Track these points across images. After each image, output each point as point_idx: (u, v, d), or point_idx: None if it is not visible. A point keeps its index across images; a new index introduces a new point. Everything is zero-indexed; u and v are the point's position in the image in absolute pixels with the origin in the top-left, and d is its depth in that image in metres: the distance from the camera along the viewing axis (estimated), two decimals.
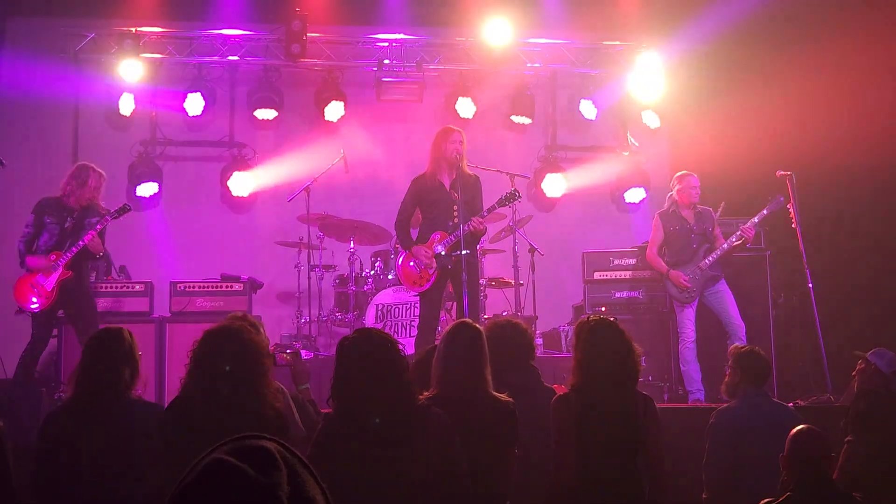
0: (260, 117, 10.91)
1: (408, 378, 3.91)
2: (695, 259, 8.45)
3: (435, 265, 7.54)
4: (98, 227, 7.72)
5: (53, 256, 7.70)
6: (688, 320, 8.41)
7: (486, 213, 7.66)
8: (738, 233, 8.37)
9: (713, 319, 8.48)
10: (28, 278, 7.71)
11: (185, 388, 4.16)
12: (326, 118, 10.96)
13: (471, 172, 7.72)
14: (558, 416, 4.45)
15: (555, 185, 11.30)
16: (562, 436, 4.42)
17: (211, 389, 4.03)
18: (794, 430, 4.18)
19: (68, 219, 7.83)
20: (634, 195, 11.43)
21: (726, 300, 8.39)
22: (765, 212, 8.36)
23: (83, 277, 7.94)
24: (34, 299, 7.68)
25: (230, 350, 4.08)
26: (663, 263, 8.57)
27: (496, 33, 10.66)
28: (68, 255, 7.69)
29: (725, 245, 8.42)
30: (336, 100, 10.89)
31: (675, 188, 8.66)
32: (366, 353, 3.87)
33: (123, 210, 7.89)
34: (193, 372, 4.12)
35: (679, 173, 8.73)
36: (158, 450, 4.09)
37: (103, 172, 8.06)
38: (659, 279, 8.95)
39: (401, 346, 4.06)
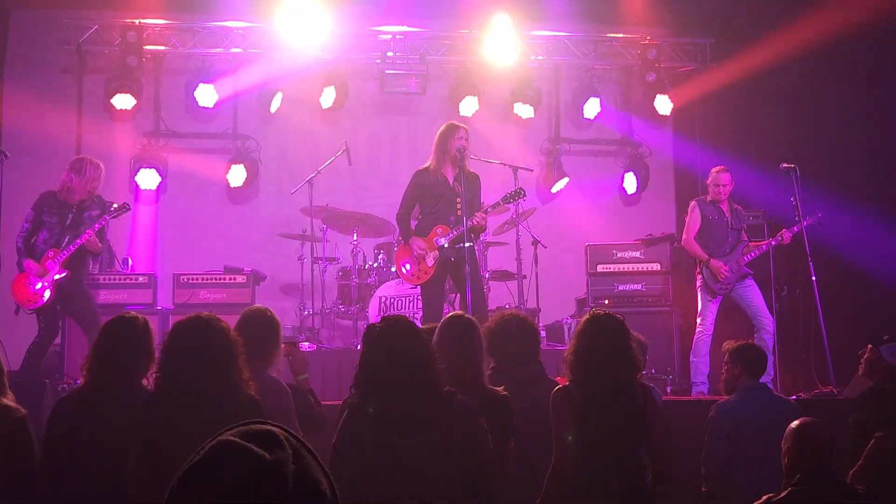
0: (273, 111, 10.93)
1: (434, 365, 3.92)
2: (733, 254, 8.43)
3: (430, 256, 7.56)
4: (97, 225, 7.71)
5: (51, 253, 7.69)
6: (710, 313, 8.42)
7: (490, 209, 7.67)
8: (777, 236, 8.36)
9: (729, 317, 8.49)
10: (24, 277, 7.72)
11: (156, 382, 4.15)
12: (321, 102, 10.93)
13: (472, 171, 7.73)
14: (558, 408, 4.46)
15: (561, 185, 11.35)
16: (561, 428, 4.43)
17: (182, 381, 4.03)
18: (799, 422, 4.16)
19: (68, 214, 7.81)
20: (629, 182, 11.45)
21: (756, 295, 8.40)
22: (803, 224, 8.28)
23: (80, 276, 7.91)
24: (31, 299, 7.69)
25: (196, 341, 4.07)
26: (702, 251, 8.48)
27: (500, 26, 10.64)
28: (65, 253, 7.67)
29: (764, 246, 8.43)
30: (329, 85, 10.85)
31: (708, 182, 8.66)
32: (392, 339, 3.88)
33: (122, 209, 7.87)
34: (163, 366, 4.12)
35: (714, 168, 8.66)
36: (135, 443, 4.07)
37: (101, 164, 8.04)
38: (665, 270, 8.97)
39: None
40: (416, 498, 3.68)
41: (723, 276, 8.34)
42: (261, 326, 5.01)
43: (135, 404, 4.31)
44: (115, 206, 7.88)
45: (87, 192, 7.87)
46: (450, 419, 3.81)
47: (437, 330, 4.67)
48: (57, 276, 7.68)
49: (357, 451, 3.71)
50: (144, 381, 4.53)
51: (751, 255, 8.43)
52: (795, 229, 8.27)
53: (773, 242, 8.41)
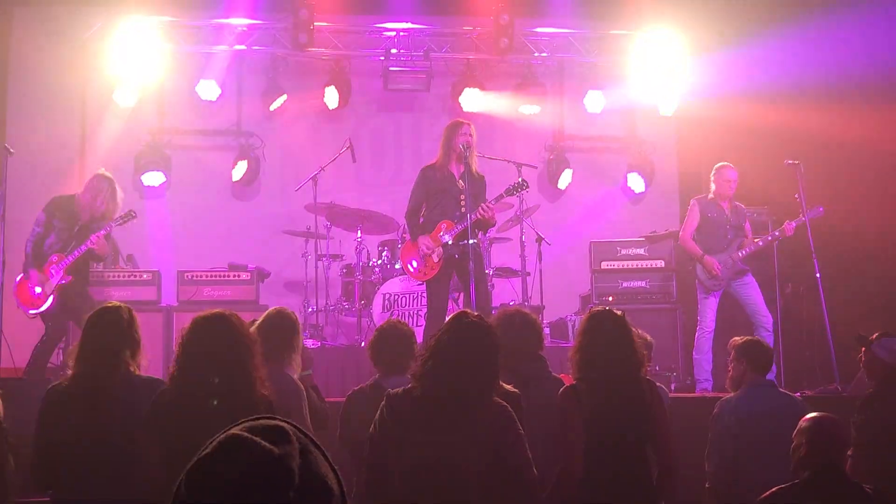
0: (273, 109, 10.95)
1: (497, 371, 3.96)
2: (728, 250, 8.44)
3: (438, 253, 7.56)
4: (101, 231, 7.71)
5: (55, 258, 7.70)
6: (709, 310, 8.42)
7: (494, 202, 7.66)
8: (777, 232, 8.36)
9: (730, 313, 8.49)
10: (26, 281, 7.72)
11: (172, 377, 4.17)
12: (326, 103, 10.95)
13: (479, 172, 7.73)
14: (566, 407, 4.46)
15: (565, 181, 11.34)
16: (569, 426, 4.43)
17: (197, 377, 4.04)
18: (815, 416, 4.11)
19: (78, 223, 7.83)
20: (635, 182, 11.45)
21: (754, 292, 8.41)
22: (803, 218, 8.29)
23: (83, 281, 7.95)
24: (34, 303, 7.70)
25: (215, 337, 4.08)
26: (697, 248, 8.53)
27: (504, 22, 10.63)
28: (69, 259, 7.68)
29: (760, 242, 8.43)
30: (332, 85, 10.87)
31: (712, 179, 8.65)
32: (473, 337, 3.95)
33: (128, 217, 7.88)
34: (180, 360, 4.13)
35: (717, 165, 8.71)
36: (149, 437, 4.10)
37: (118, 188, 8.02)
38: (669, 267, 8.99)
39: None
40: (443, 497, 3.71)
41: (716, 271, 8.36)
42: (283, 327, 5.14)
43: (122, 392, 4.34)
44: (119, 214, 7.90)
45: (101, 211, 7.87)
46: (483, 423, 3.83)
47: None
48: (61, 282, 7.69)
49: (392, 441, 3.78)
50: (133, 369, 4.55)
51: (747, 250, 8.43)
52: (795, 223, 8.28)
53: (769, 238, 8.42)
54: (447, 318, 4.26)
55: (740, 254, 8.42)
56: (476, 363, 3.89)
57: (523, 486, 3.90)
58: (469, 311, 4.58)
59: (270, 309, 5.43)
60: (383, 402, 3.96)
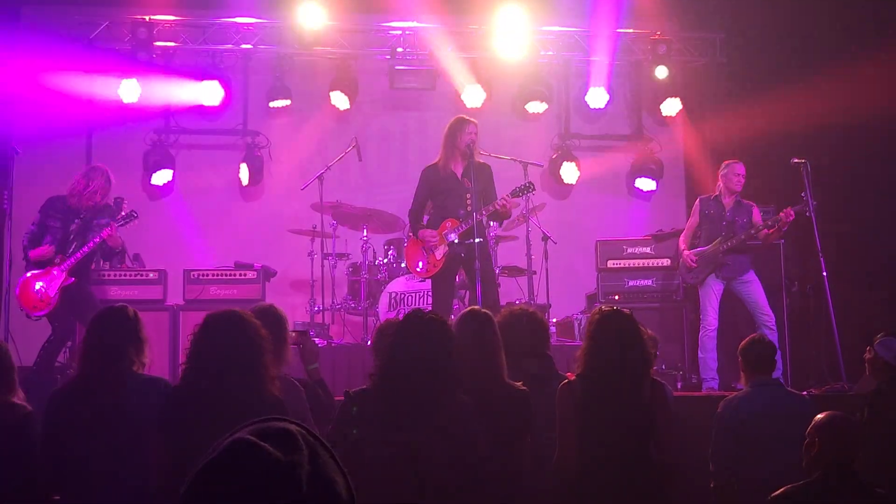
0: (272, 106, 10.94)
1: (453, 364, 3.95)
2: (718, 245, 8.44)
3: (439, 250, 7.57)
4: (104, 232, 7.69)
5: (58, 259, 7.70)
6: (711, 308, 8.40)
7: (509, 196, 7.67)
8: (770, 221, 8.34)
9: (732, 312, 8.47)
10: (31, 282, 7.68)
11: (184, 374, 4.17)
12: (335, 105, 10.96)
13: (482, 161, 7.73)
14: (561, 403, 4.47)
15: (570, 173, 11.30)
16: (564, 422, 4.44)
17: (209, 375, 4.04)
18: (828, 415, 4.10)
19: (74, 220, 7.81)
20: (644, 184, 11.42)
21: (756, 291, 8.38)
22: (792, 210, 8.26)
23: (85, 281, 7.95)
24: (36, 306, 7.69)
25: (229, 335, 4.08)
26: (682, 245, 8.64)
27: (509, 21, 10.63)
28: (72, 260, 7.67)
29: (742, 235, 8.39)
30: (339, 89, 10.89)
31: (720, 174, 8.65)
32: (420, 335, 3.96)
33: (130, 217, 7.86)
34: (192, 358, 4.13)
35: (727, 161, 8.71)
36: (159, 435, 4.10)
37: (111, 175, 8.01)
38: (675, 266, 9.06)
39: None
40: (404, 494, 3.71)
41: (688, 264, 8.42)
42: (271, 324, 4.85)
43: (126, 392, 4.34)
44: (122, 213, 7.89)
45: (94, 201, 7.86)
46: (445, 418, 3.83)
47: (454, 326, 4.67)
48: (64, 283, 7.69)
49: (350, 443, 3.76)
50: (136, 368, 4.55)
51: (730, 244, 8.40)
52: (794, 210, 8.18)
53: (752, 232, 8.38)
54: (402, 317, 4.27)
55: (722, 247, 8.39)
56: (428, 359, 3.89)
57: (484, 482, 3.91)
58: (422, 308, 4.61)
59: (254, 307, 5.01)
60: (342, 401, 3.97)
